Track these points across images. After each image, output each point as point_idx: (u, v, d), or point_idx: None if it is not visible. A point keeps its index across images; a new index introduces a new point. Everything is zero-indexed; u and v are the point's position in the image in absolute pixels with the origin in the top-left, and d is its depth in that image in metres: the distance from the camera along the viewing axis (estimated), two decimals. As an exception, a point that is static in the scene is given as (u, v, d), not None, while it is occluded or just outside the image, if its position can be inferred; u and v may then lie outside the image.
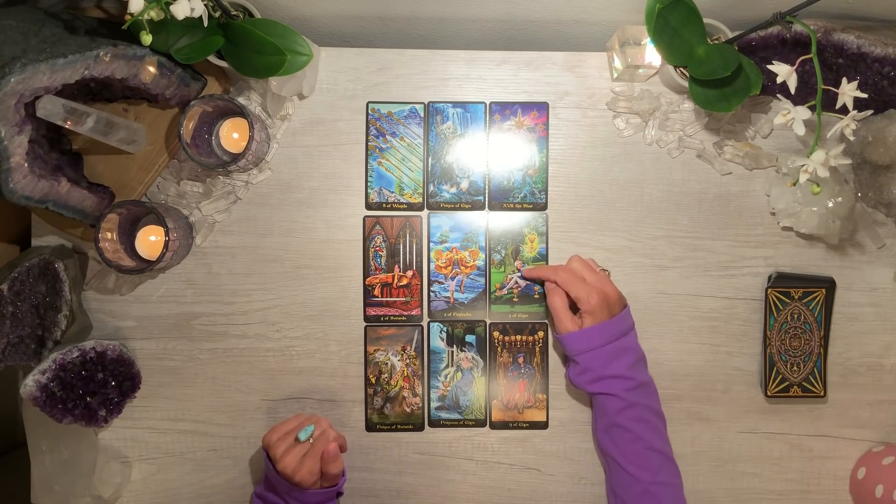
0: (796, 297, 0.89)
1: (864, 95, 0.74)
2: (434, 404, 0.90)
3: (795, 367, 0.89)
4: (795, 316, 0.89)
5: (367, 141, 0.90)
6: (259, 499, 0.82)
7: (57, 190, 0.78)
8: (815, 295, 0.89)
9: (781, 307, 0.89)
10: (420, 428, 0.90)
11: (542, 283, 0.89)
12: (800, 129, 0.73)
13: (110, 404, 0.84)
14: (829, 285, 0.89)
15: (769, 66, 0.76)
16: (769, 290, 0.89)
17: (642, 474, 0.82)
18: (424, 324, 0.90)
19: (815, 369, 0.89)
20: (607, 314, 0.83)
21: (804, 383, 0.89)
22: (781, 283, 0.89)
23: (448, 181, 0.90)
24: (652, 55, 0.85)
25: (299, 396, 0.90)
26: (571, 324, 0.85)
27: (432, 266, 0.90)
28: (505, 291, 0.90)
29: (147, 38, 0.69)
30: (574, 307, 0.86)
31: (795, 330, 0.89)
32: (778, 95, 0.86)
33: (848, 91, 0.73)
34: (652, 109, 0.90)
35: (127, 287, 0.89)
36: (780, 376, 0.89)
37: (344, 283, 0.90)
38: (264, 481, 0.82)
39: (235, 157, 0.83)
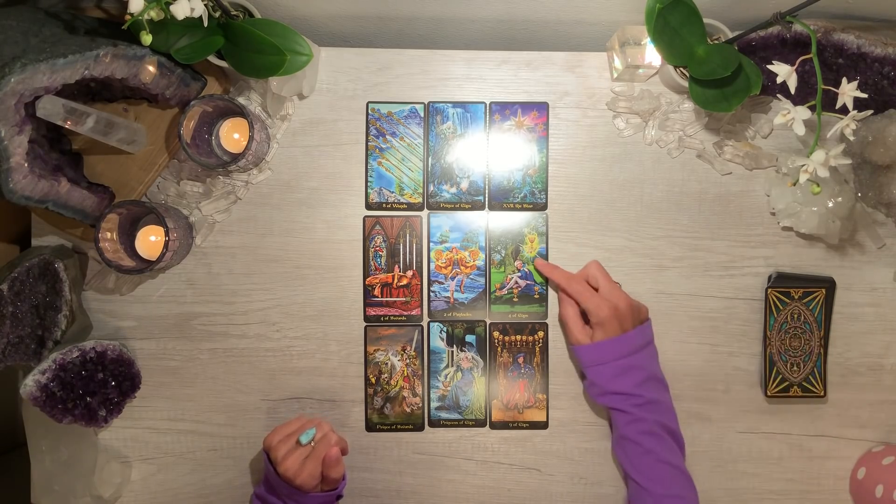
0: (796, 297, 0.88)
1: (864, 95, 0.74)
2: (434, 404, 0.90)
3: (795, 367, 0.89)
4: (795, 316, 0.89)
5: (367, 141, 0.90)
6: (259, 499, 0.82)
7: (57, 190, 0.78)
8: (815, 295, 0.89)
9: (781, 307, 0.89)
10: (420, 428, 0.90)
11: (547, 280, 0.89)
12: (800, 129, 0.73)
13: (110, 404, 0.84)
14: (829, 285, 0.89)
15: (769, 66, 0.76)
16: (769, 290, 0.89)
17: (654, 487, 0.82)
18: (424, 324, 0.90)
19: (815, 369, 0.89)
20: (618, 328, 0.83)
21: (804, 383, 0.89)
22: (781, 283, 0.89)
23: (448, 181, 0.90)
24: (652, 55, 0.85)
25: (299, 396, 0.90)
26: (582, 335, 0.85)
27: (432, 266, 0.90)
28: (505, 291, 0.90)
29: (147, 38, 0.69)
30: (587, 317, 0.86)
31: (795, 330, 0.89)
32: (778, 95, 0.86)
33: (848, 91, 0.73)
34: (652, 109, 0.90)
35: (127, 287, 0.89)
36: (780, 376, 0.89)
37: (344, 283, 0.90)
38: (264, 483, 0.82)
39: (235, 157, 0.83)
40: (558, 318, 0.89)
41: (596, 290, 0.85)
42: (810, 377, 0.90)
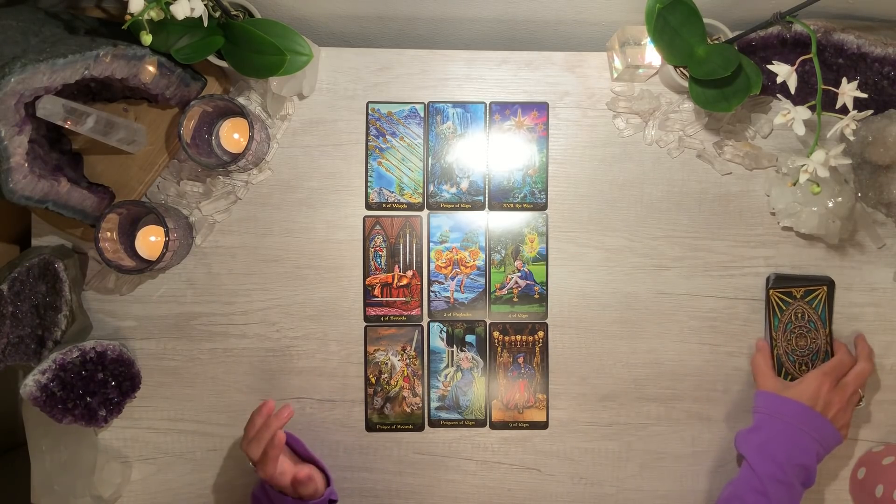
0: (798, 296, 0.88)
1: (864, 95, 0.74)
2: (434, 404, 0.90)
3: (804, 367, 0.89)
4: (800, 315, 0.89)
5: (367, 141, 0.90)
6: (254, 500, 0.82)
7: (57, 190, 0.78)
8: (816, 293, 0.89)
9: (784, 307, 0.88)
10: (420, 428, 0.90)
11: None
12: (800, 129, 0.73)
13: (110, 404, 0.84)
14: (829, 283, 0.89)
15: (769, 66, 0.76)
16: (771, 292, 0.89)
17: None
18: (424, 324, 0.90)
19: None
20: (808, 401, 0.81)
21: None
22: (781, 284, 0.89)
23: (448, 181, 0.90)
24: (652, 55, 0.85)
25: (299, 396, 0.90)
26: (772, 382, 0.85)
27: (432, 266, 0.90)
28: (505, 291, 0.90)
29: (147, 38, 0.69)
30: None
31: (801, 329, 0.89)
32: (778, 95, 0.86)
33: (848, 91, 0.73)
34: (652, 109, 0.90)
35: (127, 287, 0.89)
36: (790, 377, 0.88)
37: (344, 283, 0.90)
38: (259, 481, 0.82)
39: (235, 157, 0.83)
40: (751, 362, 0.90)
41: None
42: None
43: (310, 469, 0.79)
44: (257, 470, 0.78)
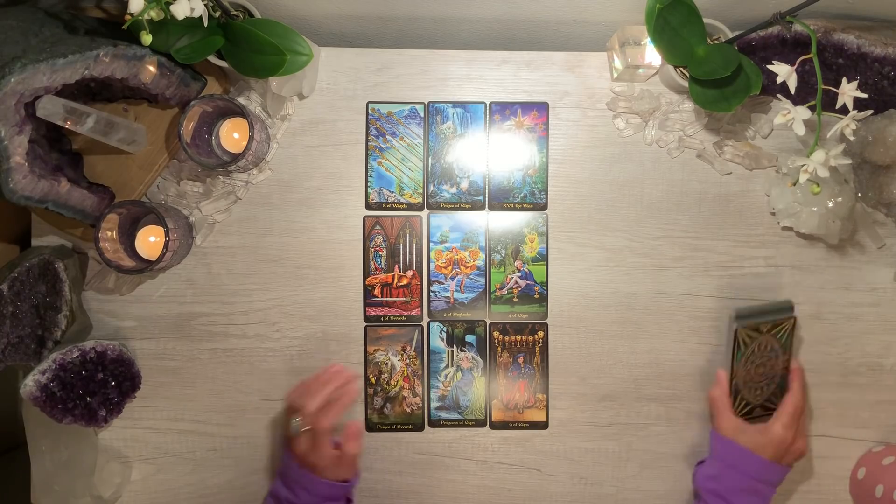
0: (765, 330, 0.85)
1: (864, 95, 0.74)
2: (434, 404, 0.90)
3: (758, 392, 0.87)
4: (763, 347, 0.86)
5: (367, 141, 0.90)
6: (272, 497, 0.81)
7: (57, 190, 0.78)
8: (783, 325, 0.86)
9: (749, 342, 0.85)
10: (420, 428, 0.90)
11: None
12: (800, 129, 0.73)
13: (110, 404, 0.84)
14: (792, 309, 0.86)
15: (769, 66, 0.76)
16: (739, 330, 0.84)
17: None
18: (424, 324, 0.90)
19: (778, 388, 0.87)
20: (772, 454, 0.82)
21: (766, 403, 0.87)
22: (747, 318, 0.84)
23: (448, 181, 0.90)
24: (652, 55, 0.85)
25: (299, 396, 0.90)
26: (730, 424, 0.84)
27: (432, 266, 0.90)
28: (505, 291, 0.90)
29: (147, 38, 0.69)
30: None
31: (762, 359, 0.86)
32: (778, 95, 0.85)
33: (848, 91, 0.73)
34: (652, 109, 0.90)
35: (127, 287, 0.89)
36: (744, 402, 0.86)
37: (344, 283, 0.90)
38: (279, 474, 0.82)
39: (235, 157, 0.83)
40: (708, 396, 0.88)
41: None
42: (772, 397, 0.87)
43: (359, 423, 0.81)
44: (317, 422, 0.76)
